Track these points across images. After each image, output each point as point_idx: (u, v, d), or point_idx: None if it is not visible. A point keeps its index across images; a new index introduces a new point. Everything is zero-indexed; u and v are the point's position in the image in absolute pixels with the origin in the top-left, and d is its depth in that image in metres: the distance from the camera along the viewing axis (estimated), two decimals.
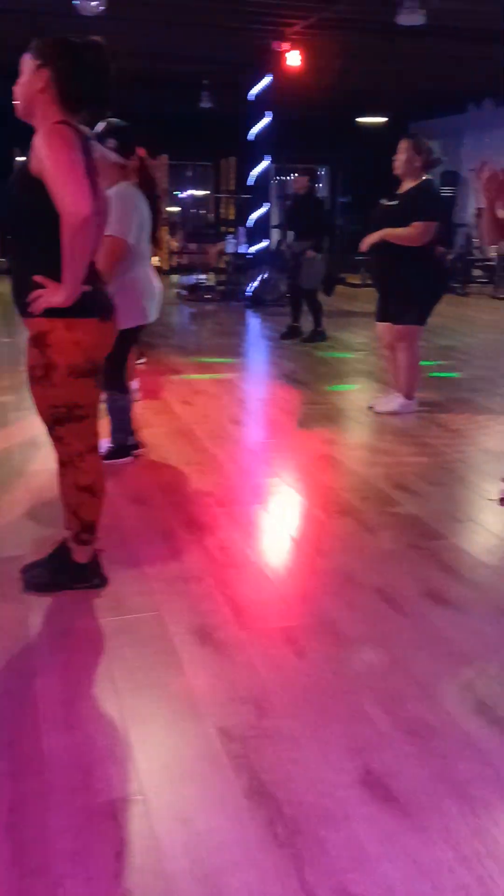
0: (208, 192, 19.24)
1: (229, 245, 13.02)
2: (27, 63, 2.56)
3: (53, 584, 2.91)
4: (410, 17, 6.76)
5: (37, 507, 3.70)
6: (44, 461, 3.98)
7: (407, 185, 5.29)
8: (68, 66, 2.54)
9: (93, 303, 2.63)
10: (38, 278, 2.54)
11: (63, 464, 2.80)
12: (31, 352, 2.65)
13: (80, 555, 2.91)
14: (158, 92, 12.38)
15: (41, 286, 2.54)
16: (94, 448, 2.83)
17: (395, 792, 1.98)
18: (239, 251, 12.61)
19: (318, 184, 13.80)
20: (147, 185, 4.42)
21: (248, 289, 11.79)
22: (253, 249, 12.09)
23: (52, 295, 2.52)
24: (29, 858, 1.75)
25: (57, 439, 2.76)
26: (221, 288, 13.07)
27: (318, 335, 8.57)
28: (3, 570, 3.08)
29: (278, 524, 3.68)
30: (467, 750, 2.14)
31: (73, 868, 1.72)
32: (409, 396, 5.58)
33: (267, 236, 12.21)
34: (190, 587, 2.99)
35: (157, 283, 4.32)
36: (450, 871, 1.76)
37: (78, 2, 7.67)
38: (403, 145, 5.25)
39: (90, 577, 2.93)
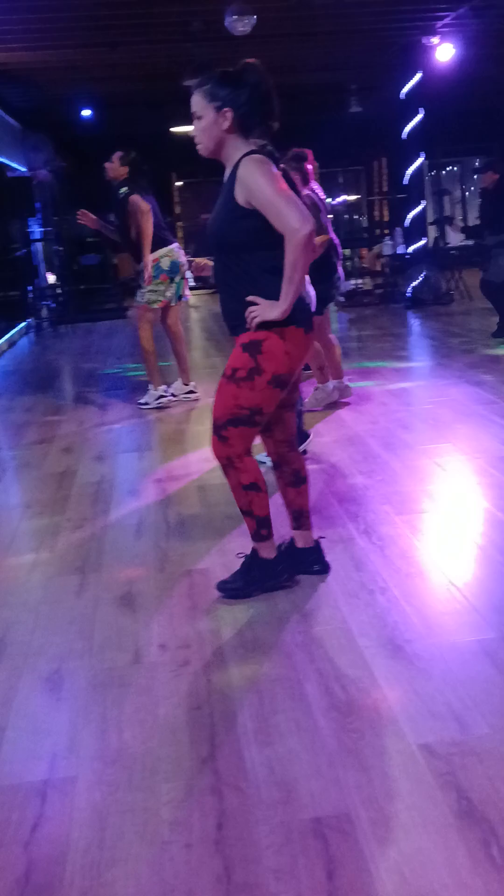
0: (360, 196, 19.13)
1: (386, 247, 12.85)
2: (204, 107, 2.71)
3: (246, 588, 3.00)
4: None
5: (216, 519, 3.78)
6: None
7: None
8: (246, 99, 2.69)
9: (301, 312, 2.76)
10: (251, 298, 2.71)
11: (224, 467, 2.90)
12: (240, 356, 2.78)
13: (266, 551, 3.01)
14: (300, 102, 12.38)
15: (254, 304, 2.70)
16: (249, 450, 2.92)
17: None
18: (397, 252, 12.42)
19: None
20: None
21: (407, 289, 11.58)
22: (411, 249, 11.86)
23: (269, 311, 2.67)
24: (239, 874, 1.76)
25: (222, 439, 2.85)
26: (380, 291, 12.91)
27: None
28: (194, 581, 3.17)
29: (461, 531, 3.55)
30: None
31: (283, 886, 1.72)
32: None
33: (424, 235, 11.94)
34: (375, 598, 2.93)
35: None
36: None
37: (228, 23, 7.96)
38: None
39: (280, 573, 3.03)
